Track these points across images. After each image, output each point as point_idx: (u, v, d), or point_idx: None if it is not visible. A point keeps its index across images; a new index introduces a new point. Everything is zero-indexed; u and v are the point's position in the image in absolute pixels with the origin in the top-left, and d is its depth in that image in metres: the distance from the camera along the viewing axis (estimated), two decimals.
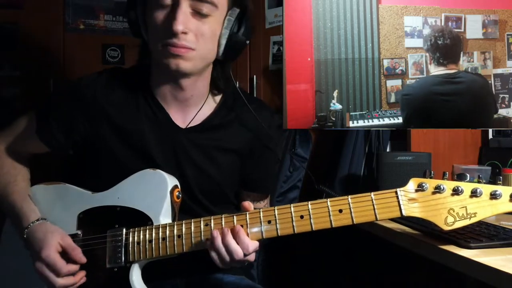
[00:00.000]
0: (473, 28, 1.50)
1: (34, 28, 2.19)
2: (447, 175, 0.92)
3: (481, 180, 0.90)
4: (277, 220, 0.94)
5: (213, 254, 0.94)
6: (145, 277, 1.03)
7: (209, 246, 0.94)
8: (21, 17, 2.18)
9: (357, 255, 1.77)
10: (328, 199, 0.92)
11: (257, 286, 1.22)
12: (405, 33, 1.53)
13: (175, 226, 0.99)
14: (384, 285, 1.74)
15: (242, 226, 0.94)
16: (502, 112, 1.47)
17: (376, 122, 1.52)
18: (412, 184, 0.91)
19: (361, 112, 1.55)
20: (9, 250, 1.16)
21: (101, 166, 1.13)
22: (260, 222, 0.94)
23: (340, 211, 0.91)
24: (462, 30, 1.50)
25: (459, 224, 0.88)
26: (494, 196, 0.87)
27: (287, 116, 1.57)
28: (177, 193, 1.05)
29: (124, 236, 1.02)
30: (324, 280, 1.88)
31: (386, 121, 1.52)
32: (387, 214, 0.91)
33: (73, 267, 1.01)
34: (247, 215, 0.95)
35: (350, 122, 1.55)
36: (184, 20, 1.00)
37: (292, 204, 0.94)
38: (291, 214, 0.93)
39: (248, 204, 0.96)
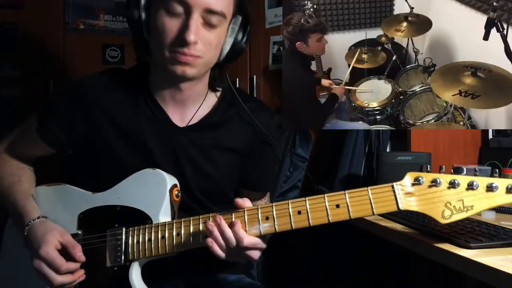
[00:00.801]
0: None
1: (34, 28, 2.20)
2: (444, 169, 0.92)
3: (477, 174, 0.90)
4: (274, 216, 0.94)
5: (208, 242, 0.94)
6: (146, 278, 1.03)
7: (208, 234, 0.95)
8: (21, 17, 2.19)
9: (357, 255, 1.77)
10: (326, 195, 0.93)
11: (257, 284, 1.22)
12: None
13: (174, 225, 0.99)
14: (384, 285, 1.74)
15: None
16: None
17: None
18: (408, 178, 0.91)
19: None
20: (8, 259, 1.17)
21: (101, 166, 1.13)
22: (258, 218, 0.95)
23: (337, 206, 0.92)
24: None
25: (456, 217, 0.88)
26: (490, 188, 0.86)
27: None
28: (176, 192, 1.05)
29: (123, 235, 1.03)
30: (324, 279, 1.88)
31: None
32: (384, 208, 0.90)
33: (73, 265, 1.01)
34: (245, 211, 0.96)
35: None
36: (196, 30, 1.01)
37: (289, 200, 0.94)
38: (289, 210, 0.93)
39: (242, 201, 0.97)
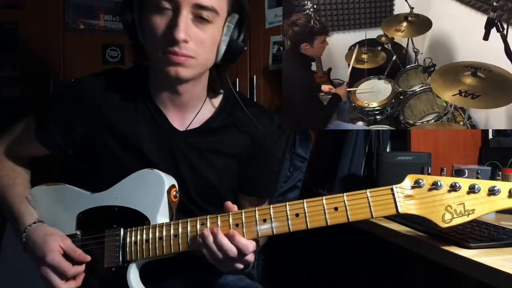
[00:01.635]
0: None
1: (34, 28, 2.20)
2: (445, 171, 0.91)
3: (479, 177, 0.88)
4: (272, 219, 0.93)
5: (205, 252, 0.94)
6: (144, 278, 1.03)
7: (202, 244, 0.94)
8: (21, 17, 2.19)
9: (357, 255, 1.77)
10: (324, 197, 0.91)
11: (257, 285, 1.22)
12: None
13: (172, 226, 0.99)
14: (384, 285, 1.73)
15: (237, 225, 0.94)
16: None
17: None
18: (408, 180, 0.89)
19: None
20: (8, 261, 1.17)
21: (100, 166, 1.13)
22: (256, 221, 0.93)
23: (336, 209, 0.90)
24: None
25: (457, 221, 0.86)
26: (492, 192, 0.85)
27: None
28: (174, 193, 1.04)
29: (121, 236, 1.02)
30: (324, 279, 1.88)
31: None
32: (383, 211, 0.89)
33: (79, 268, 1.01)
34: (243, 213, 0.95)
35: None
36: (185, 27, 0.98)
37: (287, 203, 0.93)
38: (287, 213, 0.92)
39: (231, 205, 0.96)
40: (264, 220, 0.93)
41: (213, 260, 0.94)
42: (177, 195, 1.05)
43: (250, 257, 0.95)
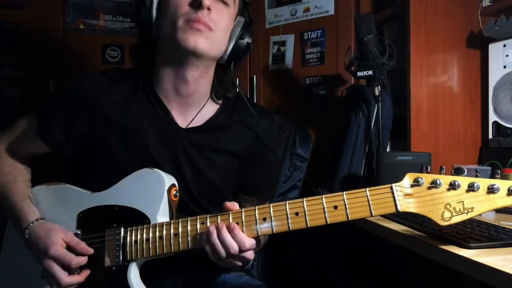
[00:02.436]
0: None
1: (34, 28, 2.20)
2: (444, 170, 0.91)
3: (478, 175, 0.88)
4: (272, 218, 0.93)
5: (208, 248, 0.94)
6: (144, 277, 1.03)
7: (205, 240, 0.94)
8: (21, 17, 2.19)
9: (357, 255, 1.77)
10: (323, 196, 0.91)
11: (256, 281, 1.22)
12: None
13: (172, 225, 0.99)
14: (384, 285, 1.73)
15: (237, 224, 0.94)
16: None
17: None
18: (407, 179, 0.89)
19: None
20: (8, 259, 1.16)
21: (101, 165, 1.13)
22: (256, 219, 0.94)
23: (335, 207, 0.90)
24: None
25: (456, 219, 0.86)
26: (491, 190, 0.85)
27: None
28: (174, 192, 1.04)
29: (122, 235, 1.02)
30: (324, 280, 1.88)
31: None
32: (382, 210, 0.89)
33: (82, 259, 1.02)
34: (243, 213, 0.95)
35: None
36: None
37: (287, 202, 0.93)
38: (286, 212, 0.92)
39: (231, 204, 0.97)
40: (264, 219, 0.94)
41: (215, 257, 0.94)
42: (177, 194, 1.06)
43: (249, 255, 0.95)
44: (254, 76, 2.24)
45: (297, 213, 0.92)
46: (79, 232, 1.07)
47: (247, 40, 1.13)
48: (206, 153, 1.15)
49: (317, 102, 2.17)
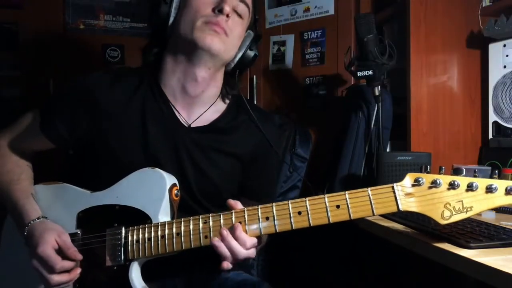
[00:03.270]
0: None
1: (34, 28, 2.19)
2: (444, 170, 0.92)
3: (476, 175, 0.90)
4: (275, 217, 0.94)
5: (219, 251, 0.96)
6: (145, 276, 1.03)
7: (214, 249, 0.96)
8: (21, 17, 2.19)
9: (357, 255, 1.77)
10: (326, 195, 0.93)
11: (254, 278, 1.23)
12: None
13: (174, 224, 0.99)
14: (384, 285, 1.73)
15: (240, 223, 0.95)
16: None
17: None
18: (408, 179, 0.91)
19: None
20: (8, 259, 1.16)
21: (101, 165, 1.13)
22: (258, 218, 0.95)
23: (338, 206, 0.92)
24: None
25: (456, 218, 0.88)
26: (490, 189, 0.87)
27: None
28: (175, 192, 1.05)
29: (123, 234, 1.02)
30: (324, 279, 1.88)
31: None
32: (384, 209, 0.91)
33: (68, 264, 1.01)
34: (246, 212, 0.96)
35: None
36: (230, 6, 1.10)
37: (290, 201, 0.95)
38: (289, 211, 0.94)
39: (234, 202, 0.98)
40: (267, 218, 0.95)
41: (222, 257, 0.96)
42: (178, 194, 1.06)
43: (251, 253, 0.96)
44: (254, 76, 2.24)
45: (299, 212, 0.93)
46: (79, 232, 1.07)
47: (254, 52, 1.20)
48: (209, 153, 1.15)
49: (317, 102, 2.17)
